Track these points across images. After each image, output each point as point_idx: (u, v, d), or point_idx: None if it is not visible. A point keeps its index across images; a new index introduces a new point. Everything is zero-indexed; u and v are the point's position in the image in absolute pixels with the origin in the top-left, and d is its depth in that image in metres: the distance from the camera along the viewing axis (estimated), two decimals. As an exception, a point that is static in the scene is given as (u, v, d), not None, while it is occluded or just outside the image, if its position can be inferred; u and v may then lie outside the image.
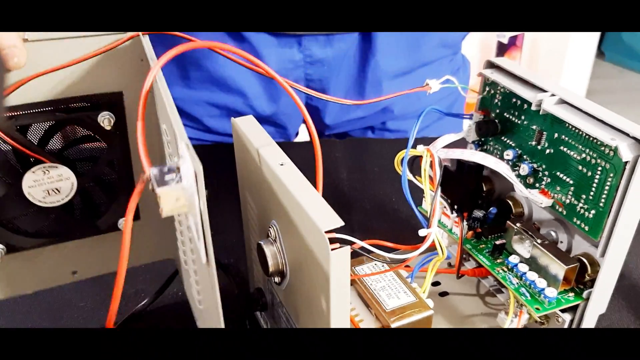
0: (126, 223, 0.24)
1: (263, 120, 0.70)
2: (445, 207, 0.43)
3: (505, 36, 2.05)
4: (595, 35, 2.21)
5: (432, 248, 0.39)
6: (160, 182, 0.24)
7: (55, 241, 0.41)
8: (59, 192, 0.39)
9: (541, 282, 0.37)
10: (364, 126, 0.77)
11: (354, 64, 0.68)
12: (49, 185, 0.38)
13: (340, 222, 0.27)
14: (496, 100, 0.42)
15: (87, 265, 0.44)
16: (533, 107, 0.37)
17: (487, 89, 0.42)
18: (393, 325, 0.36)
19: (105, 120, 0.38)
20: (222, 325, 0.28)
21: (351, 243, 0.28)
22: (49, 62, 0.36)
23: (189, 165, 0.23)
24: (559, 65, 2.17)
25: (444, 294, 0.46)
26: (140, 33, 0.37)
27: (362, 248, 0.31)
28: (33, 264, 0.42)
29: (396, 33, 0.67)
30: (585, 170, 0.36)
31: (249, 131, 0.35)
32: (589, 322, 0.38)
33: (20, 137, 0.37)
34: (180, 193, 0.24)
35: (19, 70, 0.35)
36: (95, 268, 0.44)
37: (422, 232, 0.36)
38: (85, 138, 0.38)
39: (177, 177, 0.24)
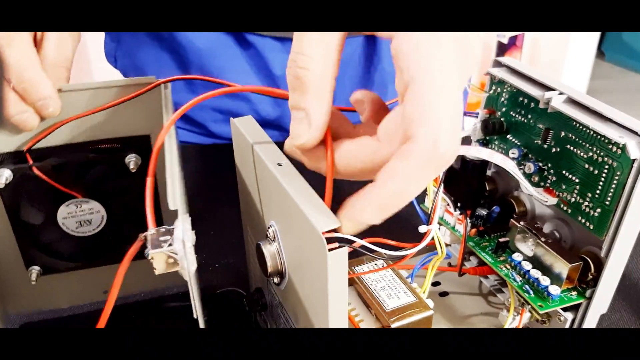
0: (121, 267, 0.27)
1: (268, 124, 0.69)
2: (448, 204, 0.43)
3: (505, 36, 2.05)
4: (595, 35, 2.22)
5: (432, 247, 0.39)
6: (154, 243, 0.26)
7: (87, 265, 0.44)
8: (90, 223, 0.42)
9: (545, 280, 0.37)
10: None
11: (359, 67, 0.67)
12: (81, 217, 0.42)
13: (337, 223, 0.27)
14: (502, 99, 0.42)
15: None
16: (541, 105, 0.37)
17: (494, 87, 0.42)
18: (393, 326, 0.36)
19: (132, 162, 0.40)
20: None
21: (349, 241, 0.28)
22: (81, 108, 0.38)
23: (180, 232, 0.25)
24: (559, 66, 2.17)
25: (444, 294, 0.45)
26: (162, 83, 0.39)
27: (362, 246, 0.31)
28: (67, 284, 0.45)
29: None
30: (591, 168, 0.36)
31: (248, 131, 0.35)
32: (591, 321, 0.38)
33: (55, 174, 0.39)
34: (171, 255, 0.26)
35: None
36: (125, 289, 0.47)
37: (422, 229, 0.36)
38: (114, 176, 0.41)
39: (170, 239, 0.26)
